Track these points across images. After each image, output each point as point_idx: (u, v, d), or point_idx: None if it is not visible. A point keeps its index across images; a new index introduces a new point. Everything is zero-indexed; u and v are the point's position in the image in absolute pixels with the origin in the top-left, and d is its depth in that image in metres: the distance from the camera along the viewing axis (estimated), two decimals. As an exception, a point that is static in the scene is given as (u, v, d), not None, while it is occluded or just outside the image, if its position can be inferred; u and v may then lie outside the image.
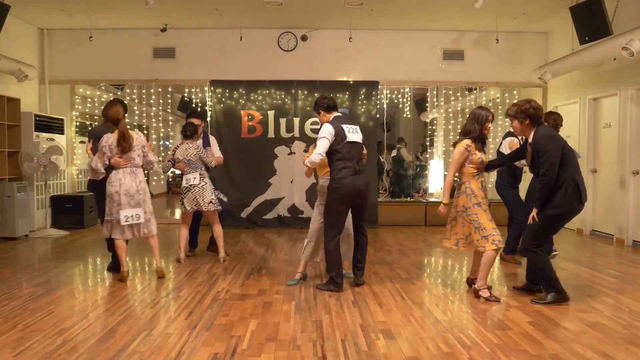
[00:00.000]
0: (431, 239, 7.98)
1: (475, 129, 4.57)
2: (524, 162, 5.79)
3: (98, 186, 5.21)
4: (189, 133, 6.06)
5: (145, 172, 5.50)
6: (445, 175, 11.12)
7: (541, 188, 4.29)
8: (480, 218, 4.50)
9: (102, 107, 5.33)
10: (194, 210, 6.00)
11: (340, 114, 4.94)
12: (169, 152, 6.21)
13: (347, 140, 4.72)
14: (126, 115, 5.21)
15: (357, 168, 4.75)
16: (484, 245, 4.47)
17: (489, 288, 4.59)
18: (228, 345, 3.41)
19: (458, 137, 4.78)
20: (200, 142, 6.17)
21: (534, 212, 4.39)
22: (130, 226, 5.07)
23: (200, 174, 5.95)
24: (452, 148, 4.86)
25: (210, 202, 5.94)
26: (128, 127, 5.12)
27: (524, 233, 4.80)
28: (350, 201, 4.76)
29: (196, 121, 6.17)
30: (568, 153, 4.32)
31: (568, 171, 4.26)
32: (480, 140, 4.61)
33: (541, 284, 4.52)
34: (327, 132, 4.68)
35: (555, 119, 5.91)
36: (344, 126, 4.75)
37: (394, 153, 12.04)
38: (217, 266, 5.88)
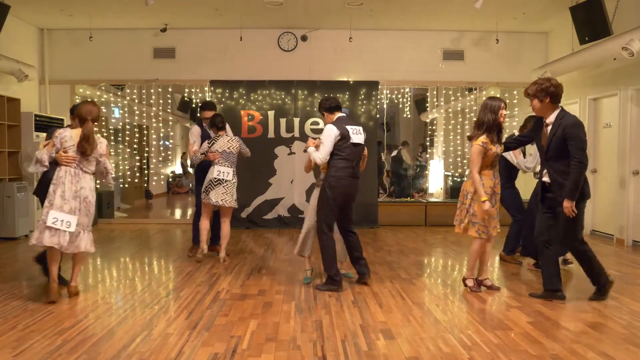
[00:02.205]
0: (431, 239, 7.98)
1: (489, 118, 4.58)
2: (520, 160, 5.81)
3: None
4: (220, 125, 5.96)
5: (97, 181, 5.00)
6: (445, 176, 11.15)
7: (577, 176, 4.19)
8: (476, 206, 4.59)
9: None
10: (217, 204, 5.93)
11: (344, 115, 4.97)
12: (204, 144, 5.93)
13: (351, 141, 4.76)
14: (96, 122, 4.67)
15: (355, 171, 4.83)
16: (468, 229, 4.64)
17: (479, 281, 4.79)
18: (228, 345, 3.41)
19: (473, 130, 4.79)
20: (231, 135, 6.14)
21: (572, 205, 4.23)
22: (57, 236, 4.34)
23: (233, 170, 5.97)
24: (467, 142, 4.91)
25: (237, 199, 6.01)
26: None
27: (558, 236, 4.45)
28: (342, 201, 4.82)
29: (212, 112, 6.13)
30: None
31: None
32: (495, 130, 4.60)
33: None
34: (331, 134, 4.72)
35: None
36: (349, 127, 4.78)
37: (394, 153, 12.06)
38: (217, 266, 5.88)
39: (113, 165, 4.79)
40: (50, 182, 4.48)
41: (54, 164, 4.50)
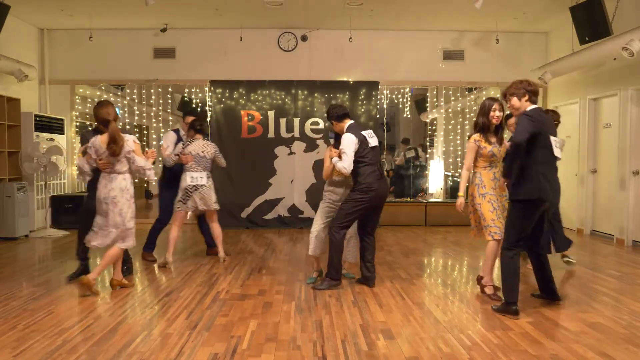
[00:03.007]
0: (431, 239, 7.98)
1: (481, 119, 4.59)
2: None
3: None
4: (199, 127, 5.93)
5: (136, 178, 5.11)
6: (445, 176, 11.15)
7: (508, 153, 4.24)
8: (482, 208, 4.56)
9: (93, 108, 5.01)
10: (188, 211, 5.89)
11: (353, 121, 5.02)
12: (178, 146, 5.90)
13: (370, 145, 4.85)
14: (119, 118, 4.89)
15: (381, 172, 4.91)
16: (484, 234, 4.61)
17: (496, 287, 4.62)
18: (228, 346, 3.41)
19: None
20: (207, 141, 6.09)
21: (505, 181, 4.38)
22: (96, 239, 4.66)
23: (207, 174, 5.89)
24: (467, 142, 4.90)
25: (216, 201, 5.93)
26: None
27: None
28: (375, 205, 4.87)
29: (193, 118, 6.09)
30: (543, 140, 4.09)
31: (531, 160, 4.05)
32: (490, 130, 4.57)
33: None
34: (350, 143, 4.77)
35: (552, 117, 5.94)
36: (364, 132, 4.88)
37: (411, 153, 11.95)
38: (217, 266, 5.87)
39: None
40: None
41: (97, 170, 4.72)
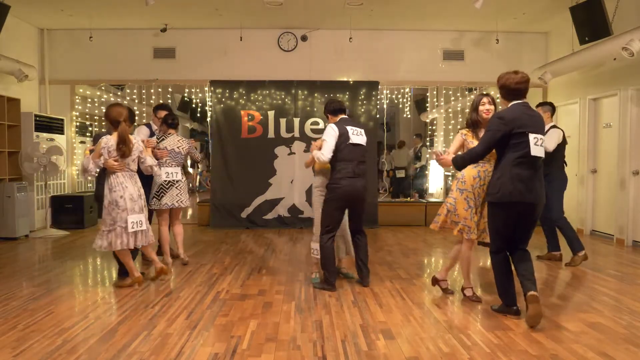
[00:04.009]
0: (431, 239, 7.98)
1: (471, 115, 4.52)
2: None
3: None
4: (171, 122, 5.81)
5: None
6: (445, 176, 11.15)
7: (468, 156, 4.14)
8: (457, 204, 4.38)
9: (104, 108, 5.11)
10: (170, 208, 5.76)
11: (347, 116, 5.06)
12: (152, 139, 5.64)
13: (350, 142, 4.81)
14: (127, 122, 4.87)
15: (356, 170, 4.84)
16: (453, 228, 4.41)
17: (472, 288, 4.56)
18: (228, 346, 3.41)
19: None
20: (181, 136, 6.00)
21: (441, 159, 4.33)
22: (134, 234, 4.81)
23: (181, 170, 5.82)
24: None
25: (188, 198, 5.89)
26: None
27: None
28: (347, 203, 4.87)
29: (165, 112, 5.97)
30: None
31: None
32: (478, 127, 4.44)
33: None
34: (331, 133, 4.81)
35: (549, 109, 6.07)
36: (349, 128, 4.85)
37: (414, 151, 11.84)
38: (217, 266, 5.87)
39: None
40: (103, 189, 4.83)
41: (103, 170, 4.81)
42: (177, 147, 5.79)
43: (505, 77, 4.12)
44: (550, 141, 5.67)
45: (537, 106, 6.02)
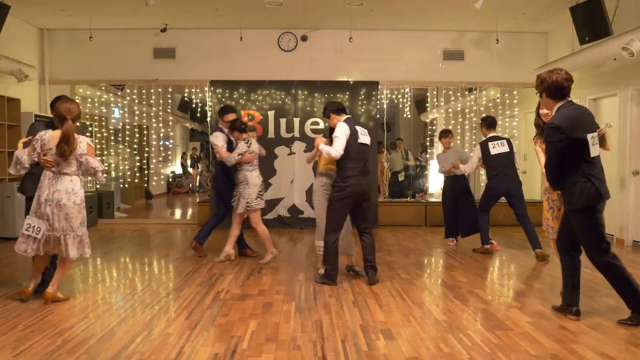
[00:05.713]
0: (431, 239, 7.98)
1: (535, 121, 4.77)
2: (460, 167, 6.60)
3: None
4: (244, 126, 5.94)
5: (89, 180, 4.74)
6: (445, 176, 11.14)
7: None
8: (542, 206, 4.86)
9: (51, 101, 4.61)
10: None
11: (350, 116, 5.16)
12: (241, 145, 5.81)
13: (359, 141, 4.92)
14: (79, 120, 4.47)
15: (363, 169, 4.97)
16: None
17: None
18: (228, 346, 3.41)
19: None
20: None
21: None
22: (27, 243, 4.23)
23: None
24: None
25: None
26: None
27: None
28: (354, 200, 4.95)
29: (234, 115, 6.17)
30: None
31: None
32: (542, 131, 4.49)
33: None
34: (343, 131, 4.89)
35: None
36: (357, 128, 4.96)
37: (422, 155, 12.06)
38: (217, 266, 5.87)
39: (111, 164, 4.68)
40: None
41: (37, 164, 4.30)
42: (259, 149, 6.00)
43: (553, 75, 3.81)
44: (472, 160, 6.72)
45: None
